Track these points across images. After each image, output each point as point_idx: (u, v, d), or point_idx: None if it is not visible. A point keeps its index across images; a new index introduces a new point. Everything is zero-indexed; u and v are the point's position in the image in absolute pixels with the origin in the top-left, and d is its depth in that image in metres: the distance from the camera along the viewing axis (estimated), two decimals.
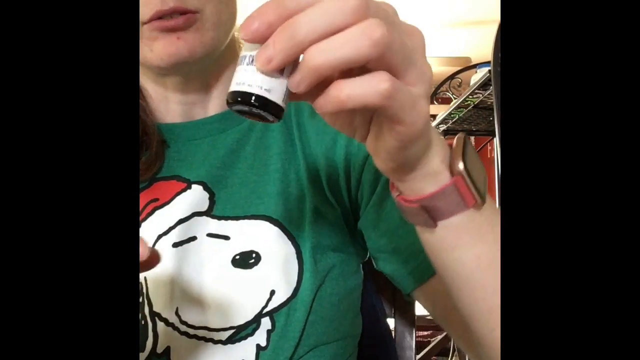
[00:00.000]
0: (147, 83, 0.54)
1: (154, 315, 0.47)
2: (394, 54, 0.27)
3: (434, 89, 2.48)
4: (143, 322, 0.47)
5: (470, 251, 0.36)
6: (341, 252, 0.52)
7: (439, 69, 3.67)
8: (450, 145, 0.35)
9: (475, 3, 3.05)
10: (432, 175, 0.34)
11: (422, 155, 0.33)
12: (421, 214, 0.35)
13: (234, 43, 0.55)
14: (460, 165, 0.33)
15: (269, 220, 0.50)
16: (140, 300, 0.47)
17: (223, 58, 0.53)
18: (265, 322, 0.47)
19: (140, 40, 0.46)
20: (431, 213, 0.34)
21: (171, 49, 0.46)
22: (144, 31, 0.46)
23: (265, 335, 0.47)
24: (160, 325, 0.47)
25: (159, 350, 0.47)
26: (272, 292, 0.48)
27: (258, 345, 0.47)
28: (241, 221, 0.50)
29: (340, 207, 0.52)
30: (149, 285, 0.48)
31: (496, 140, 1.93)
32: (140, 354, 0.46)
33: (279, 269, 0.48)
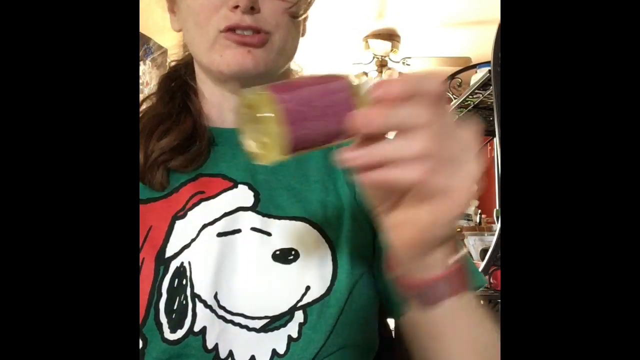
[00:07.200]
0: (207, 89, 0.60)
1: (195, 296, 0.50)
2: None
3: None
4: (184, 302, 0.50)
5: (458, 337, 0.41)
6: (367, 261, 0.55)
7: (439, 69, 3.66)
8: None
9: (475, 3, 3.05)
10: (443, 260, 0.38)
11: (447, 238, 0.36)
12: (429, 292, 0.39)
13: (288, 72, 0.62)
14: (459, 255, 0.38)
15: (310, 223, 0.53)
16: (184, 282, 0.51)
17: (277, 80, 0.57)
18: (299, 316, 0.50)
19: (209, 44, 0.53)
20: (430, 295, 0.39)
21: (239, 59, 0.53)
22: (217, 38, 0.52)
23: (297, 328, 0.50)
24: (200, 306, 0.50)
25: (196, 329, 0.50)
26: (308, 288, 0.51)
27: (289, 337, 0.50)
28: (283, 221, 0.53)
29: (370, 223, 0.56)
30: (192, 269, 0.51)
31: (496, 140, 1.93)
32: (179, 330, 0.49)
33: (315, 267, 0.51)
